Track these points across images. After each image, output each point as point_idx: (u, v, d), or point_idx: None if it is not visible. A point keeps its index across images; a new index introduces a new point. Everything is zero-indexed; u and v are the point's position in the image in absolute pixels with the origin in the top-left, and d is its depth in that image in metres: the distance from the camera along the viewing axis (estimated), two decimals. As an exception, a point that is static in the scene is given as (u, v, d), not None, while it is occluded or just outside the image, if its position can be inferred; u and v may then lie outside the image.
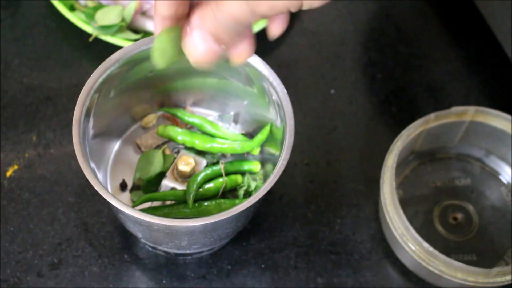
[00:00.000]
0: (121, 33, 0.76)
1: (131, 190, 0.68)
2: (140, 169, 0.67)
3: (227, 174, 0.66)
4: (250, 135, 0.70)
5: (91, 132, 0.61)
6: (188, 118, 0.67)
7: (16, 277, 0.67)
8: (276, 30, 0.47)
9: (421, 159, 0.75)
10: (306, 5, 0.44)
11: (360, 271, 0.70)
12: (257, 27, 0.77)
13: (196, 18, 0.45)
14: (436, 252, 0.63)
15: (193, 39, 0.45)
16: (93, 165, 0.60)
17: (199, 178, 0.64)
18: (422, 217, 0.72)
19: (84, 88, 0.58)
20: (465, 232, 0.72)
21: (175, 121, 0.70)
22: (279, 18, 0.47)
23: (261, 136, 0.65)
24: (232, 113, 0.70)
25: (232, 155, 0.68)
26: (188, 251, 0.68)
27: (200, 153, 0.67)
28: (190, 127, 0.70)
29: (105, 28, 0.74)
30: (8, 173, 0.72)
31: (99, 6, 0.77)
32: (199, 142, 0.66)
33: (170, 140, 0.68)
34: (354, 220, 0.72)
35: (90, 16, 0.75)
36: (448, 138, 0.74)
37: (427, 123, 0.70)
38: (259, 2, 0.42)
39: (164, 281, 0.68)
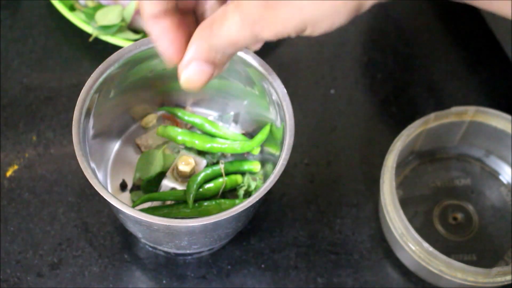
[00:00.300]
0: (121, 33, 0.76)
1: (131, 190, 0.68)
2: (140, 169, 0.67)
3: (227, 174, 0.66)
4: (250, 135, 0.70)
5: (91, 132, 0.61)
6: (188, 118, 0.67)
7: (16, 277, 0.67)
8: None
9: (421, 159, 0.75)
10: (308, 33, 0.43)
11: (360, 271, 0.70)
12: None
13: (190, 50, 0.44)
14: (436, 252, 0.63)
15: (189, 72, 0.45)
16: (93, 165, 0.60)
17: (199, 178, 0.64)
18: (422, 217, 0.72)
19: (84, 88, 0.58)
20: (465, 232, 0.72)
21: (175, 121, 0.70)
22: None
23: (261, 136, 0.65)
24: (232, 113, 0.70)
25: (232, 155, 0.68)
26: (188, 251, 0.68)
27: (200, 153, 0.67)
28: (190, 127, 0.70)
29: (105, 28, 0.74)
30: (8, 173, 0.72)
31: (99, 6, 0.77)
32: (199, 142, 0.66)
33: (170, 140, 0.68)
34: (354, 220, 0.72)
35: (90, 16, 0.75)
36: (448, 138, 0.74)
37: (427, 123, 0.70)
38: (263, 28, 0.42)
39: (164, 281, 0.68)
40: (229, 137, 0.67)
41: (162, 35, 0.45)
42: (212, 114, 0.70)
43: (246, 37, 0.42)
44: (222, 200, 0.64)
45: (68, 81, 0.77)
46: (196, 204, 0.63)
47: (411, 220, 0.70)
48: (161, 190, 0.65)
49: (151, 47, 0.60)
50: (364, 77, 0.80)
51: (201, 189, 0.64)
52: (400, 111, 0.78)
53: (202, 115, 0.69)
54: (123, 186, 0.68)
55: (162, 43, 0.45)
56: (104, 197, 0.55)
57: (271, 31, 0.42)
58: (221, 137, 0.67)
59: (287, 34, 0.42)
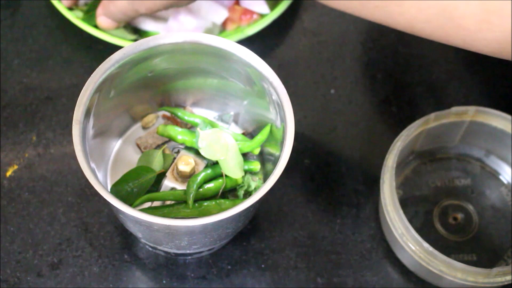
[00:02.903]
0: (119, 32, 0.76)
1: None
2: (140, 169, 0.67)
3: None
4: (250, 135, 0.70)
5: (91, 132, 0.61)
6: (188, 118, 0.67)
7: (16, 277, 0.67)
8: None
9: (421, 159, 0.75)
10: (175, 5, 0.69)
11: (360, 271, 0.70)
12: (256, 28, 0.77)
13: (100, 8, 0.73)
14: (436, 252, 0.63)
15: (100, 20, 0.73)
16: (93, 165, 0.60)
17: (199, 178, 0.64)
18: (422, 217, 0.72)
19: (84, 88, 0.58)
20: (465, 232, 0.72)
21: (175, 120, 0.70)
22: None
23: (261, 136, 0.65)
24: (232, 113, 0.70)
25: (232, 155, 0.68)
26: (188, 251, 0.68)
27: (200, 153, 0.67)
28: (190, 127, 0.70)
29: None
30: (8, 173, 0.72)
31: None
32: (199, 142, 0.66)
33: (170, 139, 0.68)
34: (354, 220, 0.72)
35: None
36: (448, 138, 0.74)
37: (427, 123, 0.70)
38: (140, 5, 0.69)
39: (164, 281, 0.68)
40: (229, 137, 0.67)
41: None
42: (212, 114, 0.70)
43: (129, 9, 0.70)
44: (222, 200, 0.64)
45: (68, 81, 0.77)
46: (196, 204, 0.63)
47: (411, 220, 0.70)
48: (161, 190, 0.65)
49: (151, 47, 0.60)
50: (364, 77, 0.80)
51: (201, 189, 0.64)
52: (400, 111, 0.78)
53: (202, 115, 0.69)
54: (123, 186, 0.68)
55: None
56: (104, 197, 0.55)
57: (145, 7, 0.69)
58: (221, 137, 0.67)
59: (157, 10, 0.69)
